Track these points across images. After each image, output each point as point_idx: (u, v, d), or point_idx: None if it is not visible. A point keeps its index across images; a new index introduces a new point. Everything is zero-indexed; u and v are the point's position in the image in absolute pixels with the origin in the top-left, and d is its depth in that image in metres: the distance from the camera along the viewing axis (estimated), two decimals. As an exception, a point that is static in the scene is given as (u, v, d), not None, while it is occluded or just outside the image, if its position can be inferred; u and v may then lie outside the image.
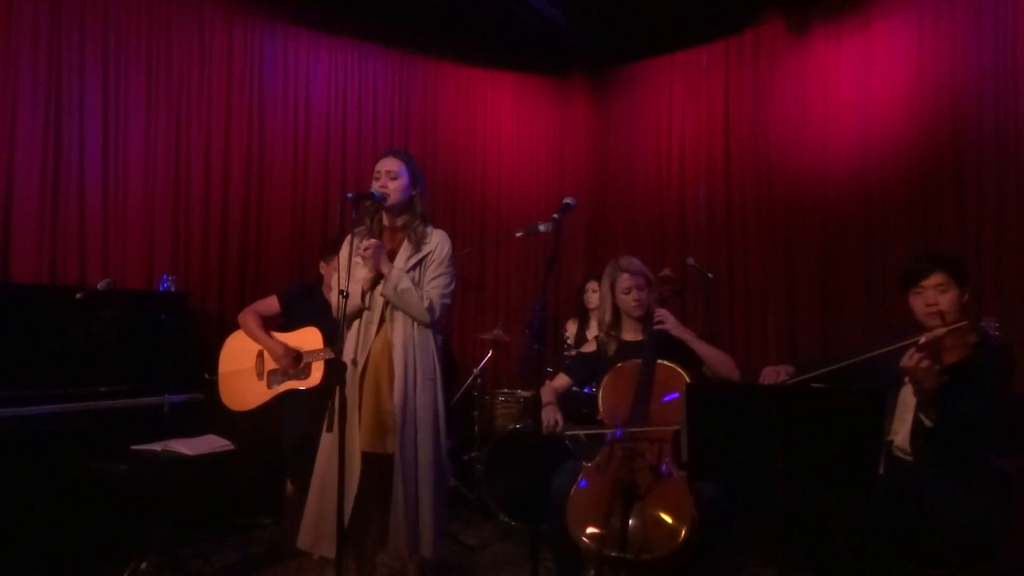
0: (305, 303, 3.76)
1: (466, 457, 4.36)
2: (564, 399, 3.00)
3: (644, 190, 5.51)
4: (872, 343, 2.59)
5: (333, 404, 2.43)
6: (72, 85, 3.90)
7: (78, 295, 3.37)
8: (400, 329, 2.77)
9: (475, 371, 4.52)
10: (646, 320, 2.88)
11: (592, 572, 2.48)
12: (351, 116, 5.03)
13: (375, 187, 2.78)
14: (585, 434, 3.18)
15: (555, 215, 2.71)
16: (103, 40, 4.01)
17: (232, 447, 3.10)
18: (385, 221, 2.87)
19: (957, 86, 4.05)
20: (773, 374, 2.57)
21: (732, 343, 4.82)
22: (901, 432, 2.46)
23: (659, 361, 2.72)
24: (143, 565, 2.91)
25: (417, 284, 2.78)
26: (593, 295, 4.35)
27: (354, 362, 2.73)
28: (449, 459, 2.94)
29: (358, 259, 2.77)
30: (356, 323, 2.82)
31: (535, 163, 5.83)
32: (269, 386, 3.61)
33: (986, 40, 3.95)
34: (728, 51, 5.09)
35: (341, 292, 2.53)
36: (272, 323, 3.76)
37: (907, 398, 2.45)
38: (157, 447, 2.95)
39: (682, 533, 2.31)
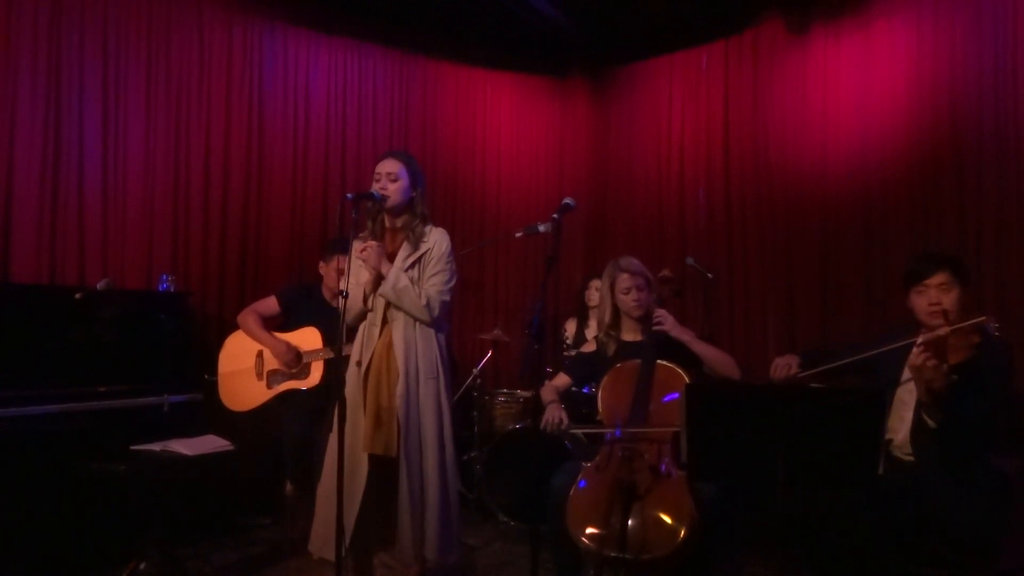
0: (304, 303, 3.77)
1: (466, 457, 4.35)
2: (564, 399, 3.00)
3: (644, 190, 5.50)
4: (872, 340, 2.59)
5: (339, 406, 2.43)
6: (72, 85, 3.89)
7: (77, 295, 3.36)
8: (402, 329, 2.77)
9: (475, 371, 4.52)
10: (646, 320, 2.88)
11: (592, 572, 2.48)
12: (351, 116, 5.02)
13: (375, 188, 2.77)
14: (585, 434, 3.18)
15: (555, 215, 2.71)
16: (103, 40, 4.00)
17: (232, 447, 3.10)
18: (386, 223, 2.87)
19: (957, 86, 4.04)
20: (785, 367, 2.57)
21: (732, 343, 4.81)
22: (900, 432, 2.46)
23: (658, 361, 2.72)
24: (142, 565, 2.91)
25: (416, 282, 2.77)
26: (595, 293, 4.34)
27: (359, 363, 2.73)
28: (457, 460, 2.92)
29: (360, 262, 2.77)
30: (362, 325, 2.83)
31: (535, 163, 5.82)
32: (269, 386, 3.62)
33: (986, 40, 3.95)
34: (728, 51, 5.08)
35: (341, 292, 2.54)
36: (271, 323, 3.77)
37: (904, 397, 2.45)
38: (157, 447, 2.96)
39: (682, 533, 2.31)
